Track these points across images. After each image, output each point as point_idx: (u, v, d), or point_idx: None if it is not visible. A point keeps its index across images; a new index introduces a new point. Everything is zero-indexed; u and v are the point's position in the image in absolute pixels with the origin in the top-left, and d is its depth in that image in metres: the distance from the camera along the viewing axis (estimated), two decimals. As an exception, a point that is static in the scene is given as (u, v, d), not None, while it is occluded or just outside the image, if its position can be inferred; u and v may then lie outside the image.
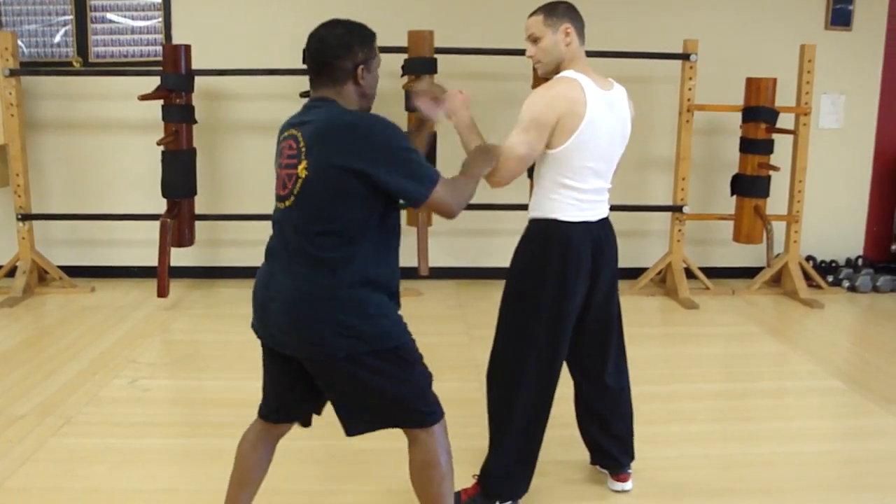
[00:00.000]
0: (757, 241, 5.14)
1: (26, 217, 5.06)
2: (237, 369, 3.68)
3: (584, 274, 2.31)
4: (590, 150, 2.25)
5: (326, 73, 1.94)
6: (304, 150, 1.86)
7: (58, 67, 5.25)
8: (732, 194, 5.16)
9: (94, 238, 5.49)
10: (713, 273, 5.55)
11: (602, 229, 2.36)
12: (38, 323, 4.56)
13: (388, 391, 1.93)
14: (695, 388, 3.65)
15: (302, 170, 1.86)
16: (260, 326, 1.99)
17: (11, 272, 5.12)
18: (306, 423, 2.15)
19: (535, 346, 2.33)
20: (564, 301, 2.30)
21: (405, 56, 4.81)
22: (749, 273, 5.61)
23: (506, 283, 2.42)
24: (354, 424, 1.98)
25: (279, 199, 1.93)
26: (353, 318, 1.88)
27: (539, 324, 2.32)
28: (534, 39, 2.32)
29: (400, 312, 2.02)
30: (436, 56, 4.80)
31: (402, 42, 4.80)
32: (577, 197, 2.29)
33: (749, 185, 5.06)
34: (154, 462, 2.84)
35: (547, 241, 2.31)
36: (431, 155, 4.47)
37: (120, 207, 5.32)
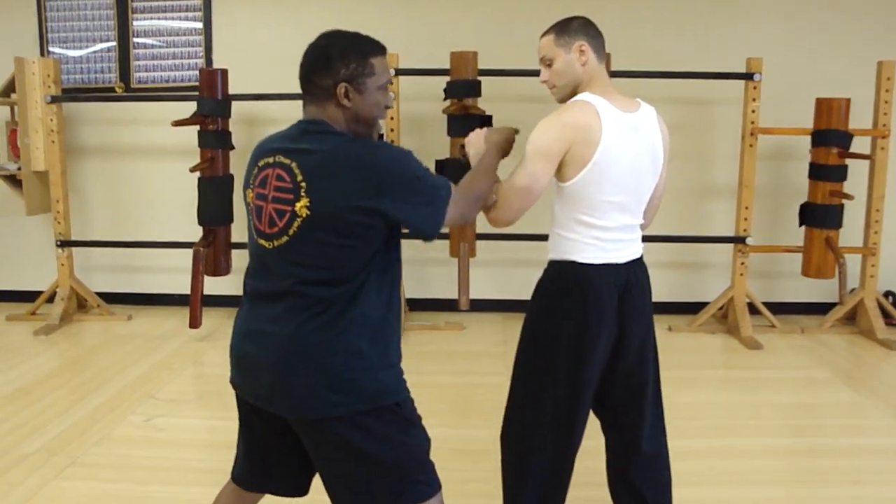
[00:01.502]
0: (828, 275, 4.71)
1: (65, 244, 5.02)
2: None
3: (608, 322, 2.02)
4: (609, 182, 1.97)
5: (308, 91, 1.71)
6: (303, 185, 1.61)
7: (100, 94, 5.22)
8: (801, 224, 4.75)
9: (134, 265, 5.43)
10: (780, 309, 5.12)
11: (631, 272, 2.06)
12: (69, 352, 4.48)
13: (385, 458, 1.67)
14: (754, 442, 3.26)
15: (302, 208, 1.60)
16: (241, 381, 1.76)
17: (52, 298, 5.08)
18: (288, 494, 1.89)
19: (551, 405, 2.04)
20: (585, 353, 2.01)
21: (447, 78, 4.60)
22: (820, 309, 5.16)
23: (521, 332, 2.15)
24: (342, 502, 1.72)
25: (264, 236, 1.68)
26: (351, 371, 1.63)
27: (556, 378, 2.03)
28: (546, 62, 2.07)
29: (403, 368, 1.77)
30: (479, 78, 4.57)
31: (445, 64, 4.60)
32: (598, 236, 2.01)
33: (820, 215, 4.64)
34: (153, 512, 2.65)
35: (564, 285, 2.03)
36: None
37: (159, 234, 5.25)
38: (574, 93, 2.04)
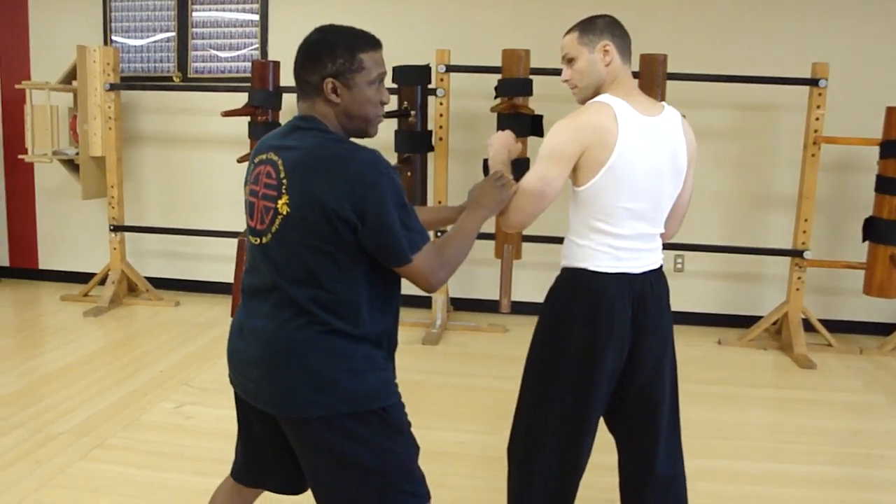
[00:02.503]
0: (892, 294, 4.45)
1: (118, 228, 5.13)
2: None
3: (619, 333, 1.92)
4: (626, 188, 1.87)
5: (299, 87, 1.67)
6: (284, 182, 1.58)
7: (157, 82, 5.32)
8: (865, 240, 4.50)
9: (184, 251, 5.51)
10: (838, 327, 4.88)
11: (647, 284, 1.95)
12: (114, 335, 4.57)
13: (368, 464, 1.61)
14: (798, 469, 3.08)
15: (282, 206, 1.58)
16: (234, 376, 1.74)
17: (103, 281, 5.20)
18: (285, 491, 1.86)
19: (557, 415, 1.95)
20: (593, 363, 1.91)
21: (499, 76, 4.51)
22: (882, 330, 4.89)
23: (532, 339, 2.07)
24: None
25: (254, 233, 1.66)
26: (336, 372, 1.59)
27: (563, 388, 1.94)
28: (568, 60, 1.98)
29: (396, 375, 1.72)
30: (531, 77, 4.48)
31: (496, 62, 4.51)
32: (612, 244, 1.91)
33: (885, 231, 4.39)
34: (164, 500, 2.66)
35: (575, 293, 1.94)
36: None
37: (209, 222, 5.32)
38: (596, 93, 1.96)
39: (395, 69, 4.52)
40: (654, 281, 1.98)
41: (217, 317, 4.94)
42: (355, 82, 1.63)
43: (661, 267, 2.01)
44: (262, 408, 1.66)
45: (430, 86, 4.57)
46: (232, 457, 2.70)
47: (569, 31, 1.99)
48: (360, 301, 1.60)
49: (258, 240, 1.64)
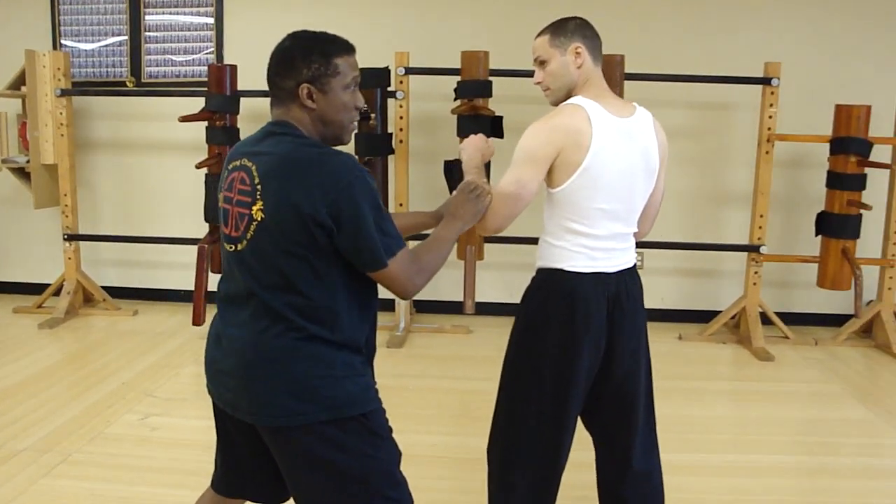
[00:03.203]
0: (844, 287, 4.58)
1: (72, 237, 5.01)
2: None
3: (595, 332, 1.94)
4: (600, 189, 1.90)
5: (273, 93, 1.66)
6: (259, 187, 1.57)
7: (110, 87, 5.21)
8: (817, 234, 4.62)
9: (141, 260, 5.41)
10: (793, 319, 5.01)
11: (622, 283, 1.98)
12: (72, 347, 4.46)
13: (350, 471, 1.60)
14: (761, 459, 3.16)
15: (257, 212, 1.56)
16: (212, 386, 1.72)
17: (58, 292, 5.07)
18: (266, 501, 1.84)
19: (536, 416, 1.97)
20: (570, 363, 1.94)
21: (458, 78, 4.52)
22: (835, 321, 5.04)
23: (508, 341, 2.08)
24: None
25: (228, 240, 1.65)
26: (315, 379, 1.58)
27: (541, 389, 1.96)
28: (540, 63, 2.01)
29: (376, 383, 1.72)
30: (490, 78, 4.50)
31: (456, 63, 4.53)
32: (587, 244, 1.93)
33: (837, 225, 4.51)
34: (137, 515, 2.61)
35: (550, 293, 1.97)
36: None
37: (167, 230, 5.23)
38: (569, 95, 1.98)
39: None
40: (629, 280, 2.01)
41: (177, 325, 4.86)
42: (331, 87, 1.62)
43: (634, 266, 2.05)
44: (241, 417, 1.64)
45: (389, 88, 4.56)
46: (202, 467, 2.67)
47: (540, 34, 2.01)
48: (337, 307, 1.60)
49: (233, 247, 1.63)
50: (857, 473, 3.08)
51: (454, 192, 1.91)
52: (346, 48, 1.66)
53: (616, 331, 1.97)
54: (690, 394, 3.87)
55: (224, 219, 1.67)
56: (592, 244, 1.93)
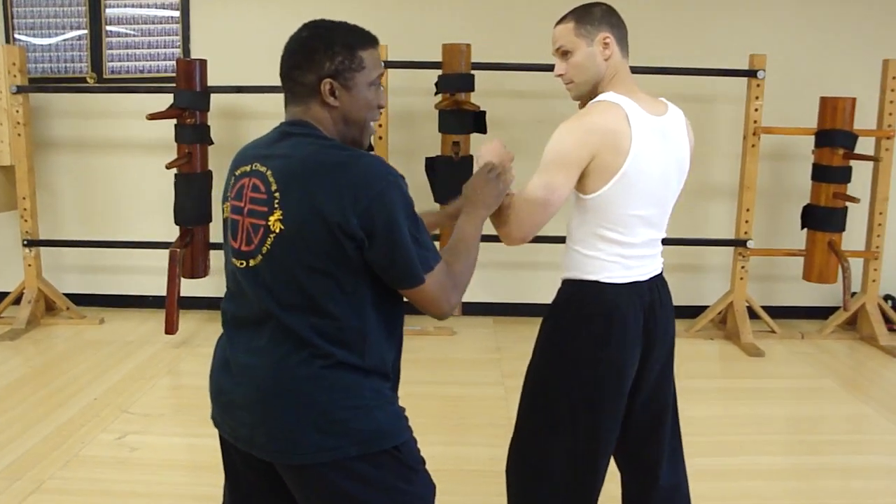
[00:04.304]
0: (831, 280, 4.56)
1: (32, 243, 4.74)
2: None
3: (634, 349, 1.81)
4: (638, 194, 1.75)
5: (290, 89, 1.49)
6: (277, 195, 1.41)
7: (70, 84, 4.94)
8: (803, 227, 4.59)
9: (107, 265, 5.16)
10: (778, 313, 4.97)
11: (654, 290, 1.86)
12: (36, 360, 4.21)
13: None
14: (756, 461, 3.07)
15: (275, 222, 1.40)
16: (221, 419, 1.55)
17: (18, 300, 4.80)
18: None
19: (570, 444, 1.82)
20: (611, 384, 1.80)
21: (439, 72, 4.38)
22: (819, 313, 5.02)
23: (534, 361, 1.91)
24: None
25: (239, 255, 1.47)
26: (343, 410, 1.42)
27: (575, 415, 1.80)
28: (563, 53, 1.82)
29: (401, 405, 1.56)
30: (472, 72, 4.36)
31: (437, 56, 4.38)
32: (623, 253, 1.79)
33: (823, 218, 4.48)
34: (125, 547, 2.42)
35: (586, 308, 1.81)
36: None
37: (134, 233, 4.99)
38: (594, 90, 1.82)
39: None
40: (661, 286, 1.89)
41: (149, 333, 4.63)
42: (355, 82, 1.47)
43: (662, 271, 1.92)
44: (258, 454, 1.48)
45: (367, 82, 4.39)
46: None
47: (562, 21, 1.83)
48: (366, 328, 1.44)
49: (244, 262, 1.46)
50: (853, 472, 3.03)
51: (471, 177, 1.73)
52: (371, 40, 1.50)
53: (651, 341, 1.84)
54: (684, 393, 3.74)
55: (232, 231, 1.49)
56: (628, 252, 1.80)
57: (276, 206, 1.40)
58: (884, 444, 3.30)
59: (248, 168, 1.48)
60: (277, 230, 1.40)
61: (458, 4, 4.84)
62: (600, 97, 1.78)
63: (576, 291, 1.84)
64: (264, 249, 1.42)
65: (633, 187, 1.73)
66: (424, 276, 1.43)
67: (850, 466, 3.09)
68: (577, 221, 1.82)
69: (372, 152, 1.45)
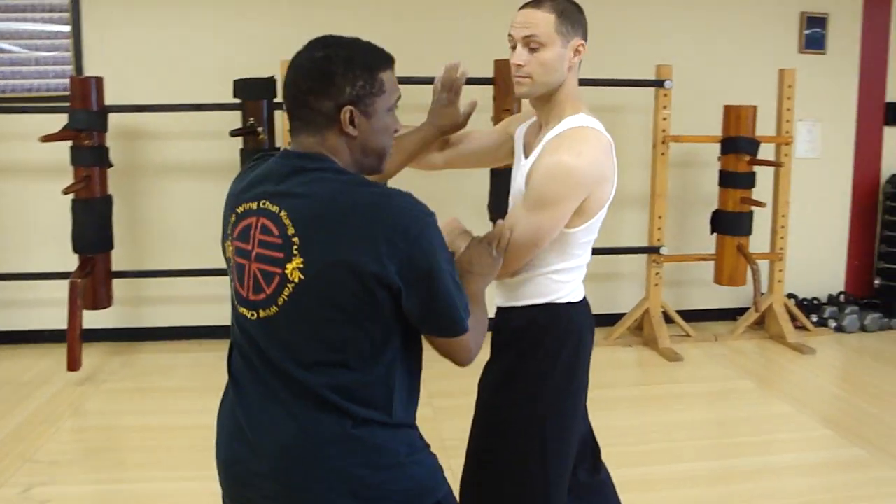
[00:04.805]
0: (741, 282, 4.72)
1: (-89, 279, 4.35)
2: (165, 465, 3.06)
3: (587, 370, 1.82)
4: (601, 220, 1.73)
5: (301, 117, 1.33)
6: (295, 240, 1.27)
7: (-52, 105, 4.57)
8: (713, 232, 4.74)
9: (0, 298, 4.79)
10: (691, 316, 5.10)
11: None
12: (-80, 407, 3.85)
13: None
14: (681, 468, 3.11)
15: (294, 271, 1.26)
16: (234, 491, 1.39)
17: None
18: None
19: (543, 480, 1.74)
20: (577, 409, 1.77)
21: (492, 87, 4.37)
22: (728, 314, 5.20)
23: (491, 396, 1.79)
24: None
25: (247, 304, 1.33)
26: (378, 473, 1.30)
27: (544, 448, 1.72)
28: (531, 45, 1.63)
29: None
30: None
31: (489, 73, 4.37)
32: (581, 274, 1.78)
33: (731, 223, 4.64)
34: None
35: (557, 332, 1.73)
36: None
37: (29, 264, 4.64)
38: (547, 97, 1.69)
39: (236, 83, 4.17)
40: None
41: (48, 371, 4.30)
42: (375, 108, 1.32)
43: None
44: None
45: (276, 99, 4.25)
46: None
47: (539, 6, 1.63)
48: (392, 382, 1.32)
49: (254, 313, 1.32)
50: (787, 471, 3.13)
51: (466, 248, 1.60)
52: (389, 60, 1.36)
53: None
54: (601, 404, 3.77)
55: (238, 277, 1.35)
56: (584, 272, 1.79)
57: (294, 252, 1.26)
58: (805, 441, 3.41)
59: (254, 206, 1.33)
60: (297, 279, 1.26)
61: (362, 16, 4.76)
62: (583, 122, 1.66)
63: (548, 316, 1.73)
64: (280, 301, 1.28)
65: (603, 214, 1.71)
66: (468, 325, 1.35)
67: (775, 466, 3.18)
68: (550, 249, 1.69)
69: (401, 189, 1.32)
